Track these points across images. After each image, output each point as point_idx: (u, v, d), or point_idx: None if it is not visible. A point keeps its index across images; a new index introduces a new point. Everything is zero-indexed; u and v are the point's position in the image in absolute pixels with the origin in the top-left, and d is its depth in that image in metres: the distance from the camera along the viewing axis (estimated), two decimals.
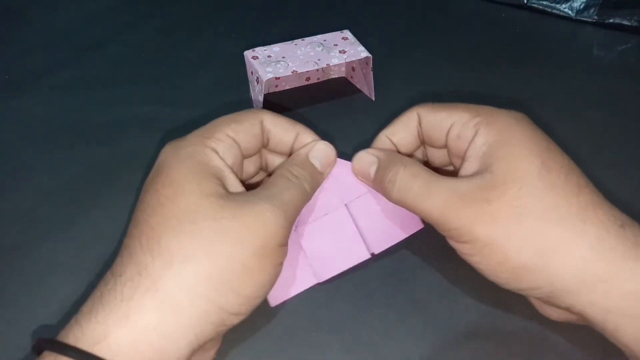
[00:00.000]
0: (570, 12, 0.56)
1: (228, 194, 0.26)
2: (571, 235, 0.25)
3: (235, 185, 0.27)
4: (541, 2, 0.57)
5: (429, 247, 0.34)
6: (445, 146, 0.30)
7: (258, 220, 0.25)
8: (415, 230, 0.33)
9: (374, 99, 0.46)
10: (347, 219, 0.31)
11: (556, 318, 0.28)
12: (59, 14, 0.59)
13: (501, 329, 0.30)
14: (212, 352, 0.27)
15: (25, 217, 0.36)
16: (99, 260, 0.33)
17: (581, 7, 0.56)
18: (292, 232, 0.30)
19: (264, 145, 0.31)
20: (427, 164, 0.33)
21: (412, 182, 0.28)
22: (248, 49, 0.43)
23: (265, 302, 0.31)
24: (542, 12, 0.58)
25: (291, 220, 0.27)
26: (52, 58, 0.52)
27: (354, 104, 0.46)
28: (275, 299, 0.30)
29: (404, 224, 0.32)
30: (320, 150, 0.30)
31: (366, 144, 0.39)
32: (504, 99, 0.46)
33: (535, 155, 0.26)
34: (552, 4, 0.57)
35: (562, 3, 0.57)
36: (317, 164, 0.30)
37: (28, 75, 0.49)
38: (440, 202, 0.26)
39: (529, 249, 0.25)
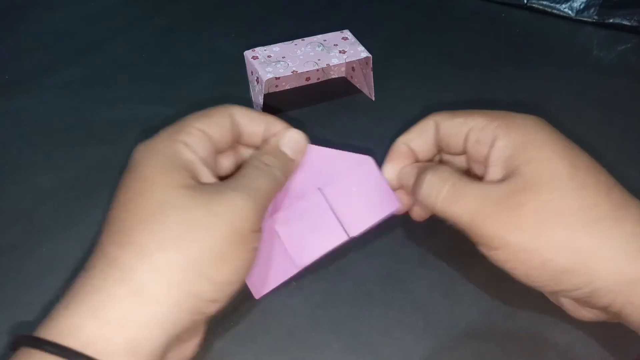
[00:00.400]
0: (570, 12, 0.56)
1: (199, 185, 0.26)
2: (608, 234, 0.25)
3: (208, 176, 0.27)
4: (541, 2, 0.57)
5: (429, 247, 0.34)
6: (464, 152, 0.30)
7: (228, 208, 0.25)
8: (391, 211, 0.32)
9: (374, 99, 0.46)
10: (322, 203, 0.31)
11: (589, 319, 0.28)
12: (59, 14, 0.59)
13: (501, 329, 0.30)
14: (192, 344, 0.27)
15: (25, 217, 0.36)
16: None
17: (581, 7, 0.56)
18: (267, 220, 0.30)
19: (236, 139, 0.31)
20: None
21: (441, 186, 0.27)
22: (248, 49, 0.43)
23: (263, 301, 0.31)
24: (542, 12, 0.58)
25: (262, 207, 0.27)
26: (52, 58, 0.52)
27: (354, 104, 0.46)
28: (258, 292, 0.30)
29: (380, 204, 0.32)
30: (291, 138, 0.30)
31: (366, 144, 0.39)
32: (504, 98, 0.46)
33: (562, 156, 0.26)
34: (552, 4, 0.57)
35: (562, 3, 0.57)
36: (288, 152, 0.30)
37: (28, 75, 0.49)
38: (471, 207, 0.26)
39: (566, 252, 0.25)
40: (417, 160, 0.32)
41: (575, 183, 0.25)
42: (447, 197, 0.27)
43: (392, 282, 0.32)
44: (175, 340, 0.24)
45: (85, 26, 0.57)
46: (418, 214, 0.33)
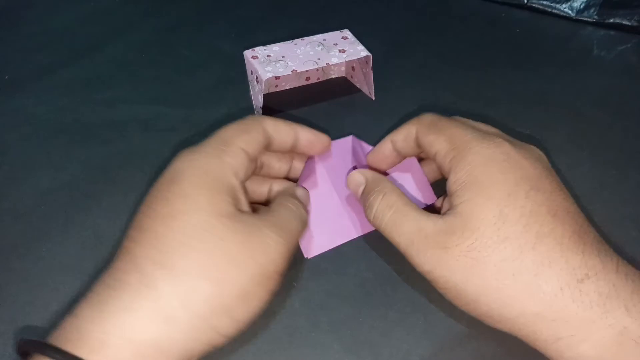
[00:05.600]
0: (570, 11, 0.56)
1: (238, 213, 0.26)
2: (525, 291, 0.25)
3: (244, 204, 0.28)
4: (541, 1, 0.57)
5: None
6: None
7: (263, 248, 0.26)
8: (429, 203, 0.34)
9: (374, 99, 0.46)
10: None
11: None
12: (58, 14, 0.59)
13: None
14: None
15: (24, 217, 0.36)
16: (99, 260, 0.33)
17: (581, 6, 0.56)
18: (326, 185, 0.34)
19: (266, 148, 0.31)
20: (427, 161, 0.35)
21: (386, 211, 0.29)
22: (248, 48, 0.43)
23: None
24: (542, 12, 0.58)
25: (291, 250, 0.28)
26: (52, 58, 0.52)
27: (354, 104, 0.46)
28: (310, 251, 0.33)
29: (422, 196, 0.35)
30: (303, 190, 0.33)
31: (367, 143, 0.39)
32: (503, 98, 0.46)
33: (495, 203, 0.26)
34: (552, 4, 0.57)
35: (562, 3, 0.57)
36: (303, 201, 0.32)
37: (28, 75, 0.49)
38: (406, 238, 0.28)
39: (486, 299, 0.25)
40: (399, 156, 0.34)
41: (498, 235, 0.25)
42: (388, 223, 0.29)
43: (393, 283, 0.32)
44: None
45: (85, 26, 0.57)
46: None
